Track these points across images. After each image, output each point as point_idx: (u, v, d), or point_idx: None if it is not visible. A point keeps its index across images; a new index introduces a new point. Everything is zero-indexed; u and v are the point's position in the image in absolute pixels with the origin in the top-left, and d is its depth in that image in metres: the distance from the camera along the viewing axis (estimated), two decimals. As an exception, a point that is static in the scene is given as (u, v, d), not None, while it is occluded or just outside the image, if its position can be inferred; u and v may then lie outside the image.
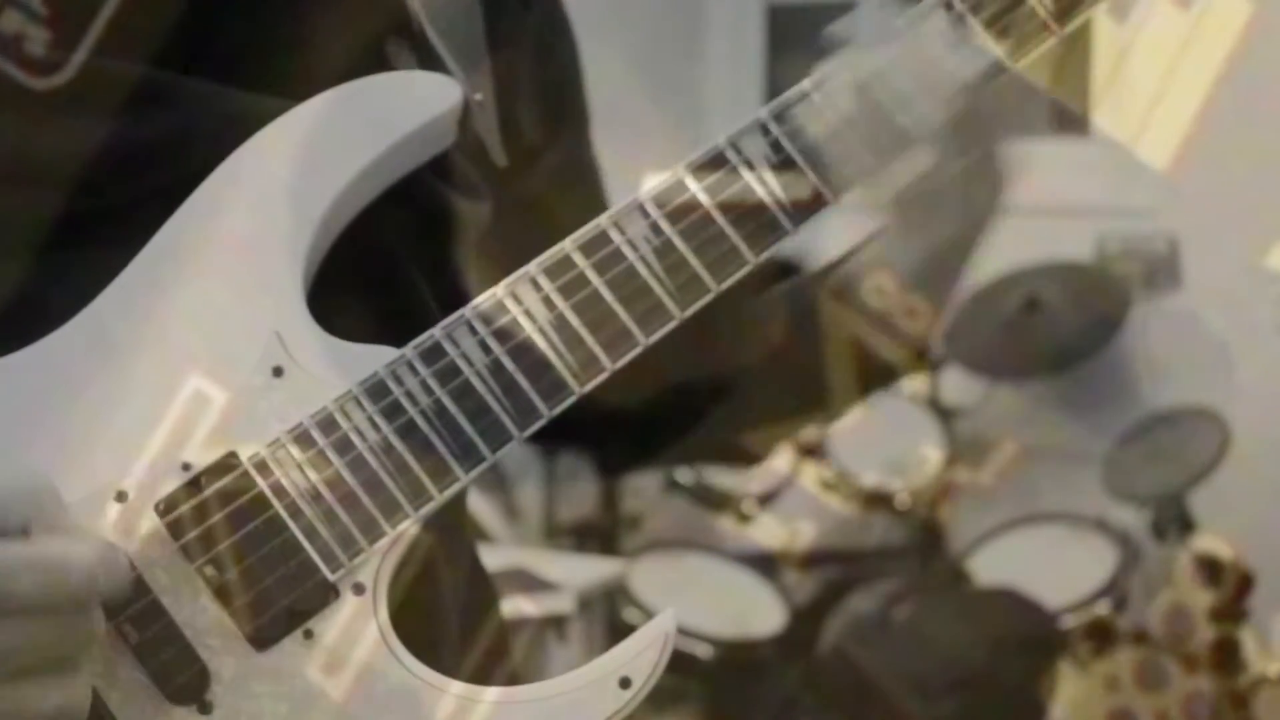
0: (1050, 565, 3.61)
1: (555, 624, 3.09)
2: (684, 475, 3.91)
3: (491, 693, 0.81)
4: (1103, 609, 3.45)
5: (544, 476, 4.18)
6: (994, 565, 3.66)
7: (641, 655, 0.81)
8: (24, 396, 0.80)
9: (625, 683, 0.81)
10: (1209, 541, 3.39)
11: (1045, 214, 4.05)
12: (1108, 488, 3.62)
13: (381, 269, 0.91)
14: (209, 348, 0.82)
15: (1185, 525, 3.50)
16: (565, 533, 3.98)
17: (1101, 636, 3.32)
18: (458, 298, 0.90)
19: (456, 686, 0.81)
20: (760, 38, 4.62)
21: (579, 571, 3.33)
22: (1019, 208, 3.84)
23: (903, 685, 3.18)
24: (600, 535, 3.96)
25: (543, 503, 4.15)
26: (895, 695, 3.18)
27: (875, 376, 1.06)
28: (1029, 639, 3.27)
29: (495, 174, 0.97)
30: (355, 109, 0.86)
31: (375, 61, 0.90)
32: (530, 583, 3.04)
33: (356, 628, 0.81)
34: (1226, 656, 3.17)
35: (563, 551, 3.85)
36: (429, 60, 0.92)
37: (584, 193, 1.09)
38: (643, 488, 4.14)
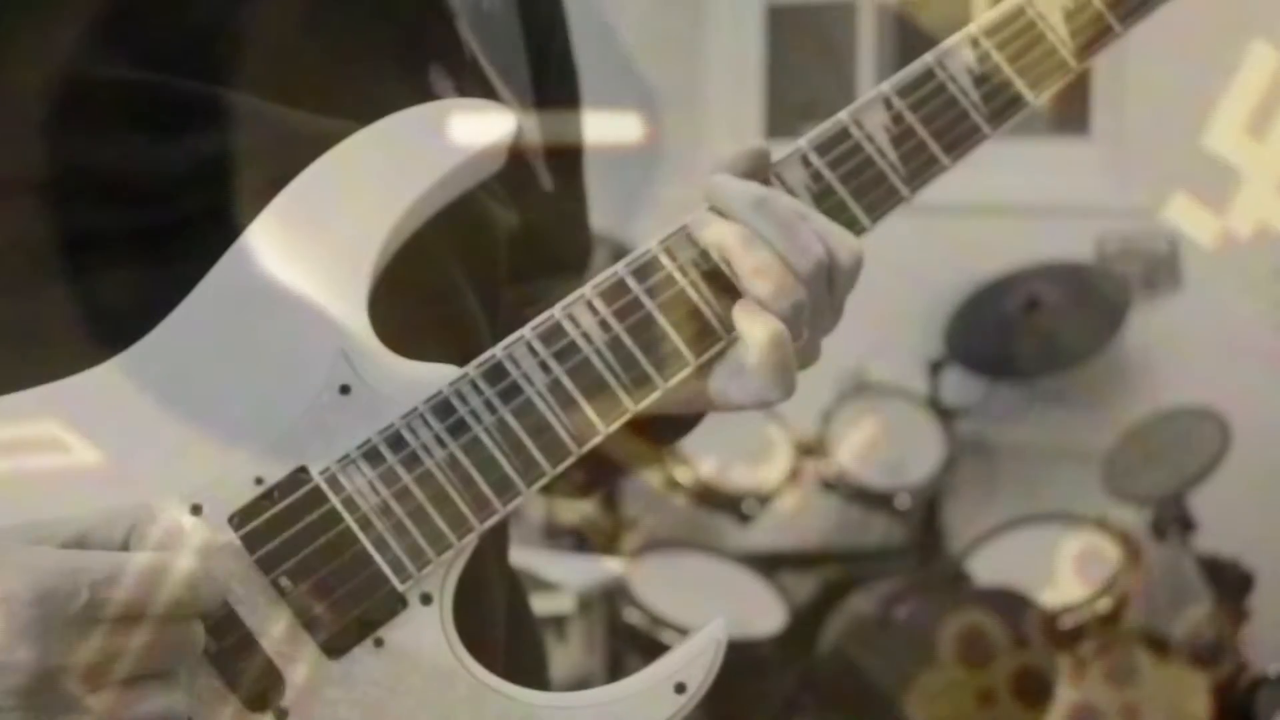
0: (1050, 565, 3.62)
1: (555, 624, 3.10)
2: (684, 475, 3.91)
3: (553, 698, 0.85)
4: (1103, 609, 3.45)
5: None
6: (994, 565, 3.66)
7: (695, 661, 0.85)
8: (102, 412, 0.83)
9: (680, 688, 0.85)
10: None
11: (1045, 214, 4.07)
12: (1108, 488, 3.62)
13: (431, 279, 0.94)
14: (278, 366, 0.85)
15: (1185, 525, 3.51)
16: (565, 533, 3.98)
17: (1101, 636, 3.32)
18: (498, 302, 0.95)
19: (519, 693, 0.85)
20: (760, 38, 4.61)
21: (579, 571, 3.33)
22: (1019, 208, 3.84)
23: (903, 685, 3.17)
24: (600, 535, 3.96)
25: (543, 503, 4.15)
26: (895, 695, 3.18)
27: (708, 346, 0.90)
28: (1028, 639, 3.26)
29: (536, 195, 1.01)
30: (415, 135, 0.89)
31: (422, 90, 0.93)
32: (530, 583, 3.04)
33: (425, 636, 0.84)
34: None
35: (563, 551, 3.85)
36: (480, 87, 0.96)
37: (572, 222, 1.12)
38: (643, 488, 4.14)
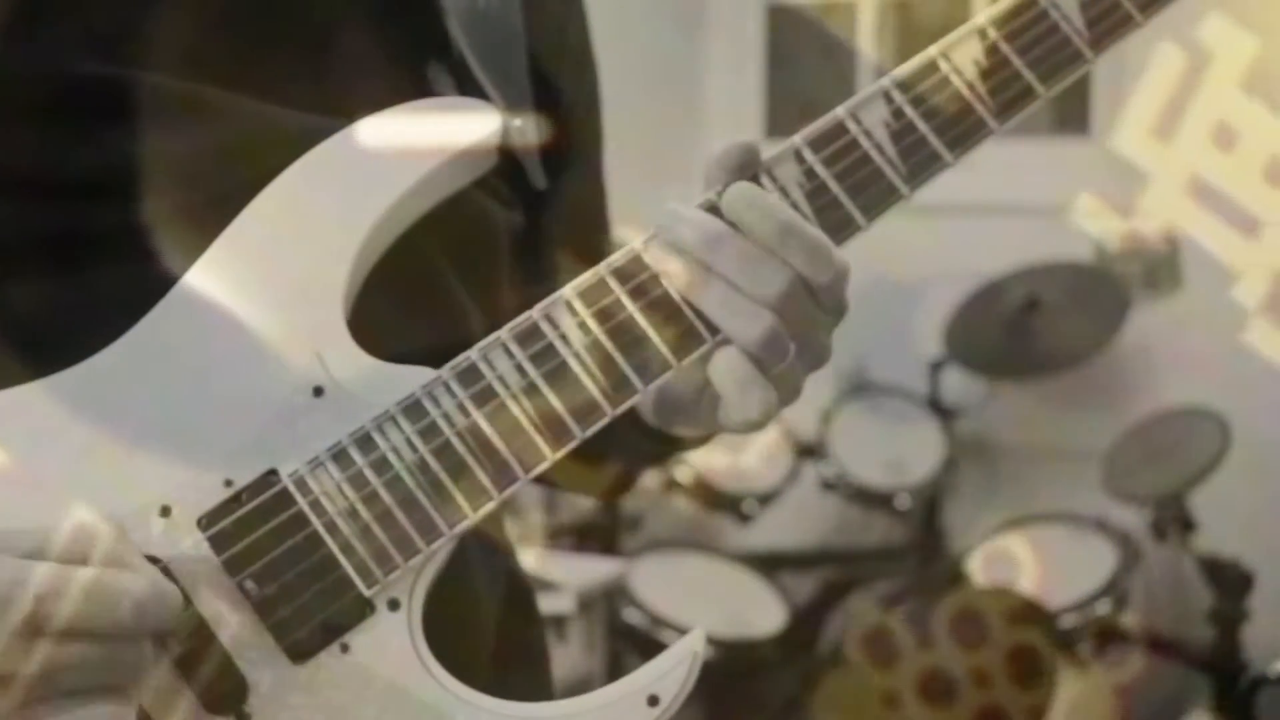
0: (1050, 565, 3.61)
1: (555, 624, 3.09)
2: (684, 475, 3.91)
3: (521, 709, 0.83)
4: (1103, 609, 3.45)
5: (544, 476, 4.16)
6: (994, 565, 3.66)
7: (670, 674, 0.83)
8: (72, 413, 0.82)
9: (653, 700, 0.83)
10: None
11: (1045, 214, 4.07)
12: (1108, 488, 3.62)
13: (422, 279, 0.93)
14: (252, 367, 0.84)
15: (1185, 525, 3.50)
16: (565, 533, 3.98)
17: (1101, 636, 3.32)
18: (498, 303, 0.93)
19: (487, 702, 0.83)
20: (760, 38, 4.61)
21: (579, 571, 3.33)
22: (1020, 208, 3.83)
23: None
24: (600, 535, 3.96)
25: (543, 503, 4.15)
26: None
27: (692, 349, 0.89)
28: (1028, 639, 3.26)
29: (531, 195, 0.99)
30: (397, 134, 0.88)
31: (415, 86, 0.91)
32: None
33: (391, 643, 0.83)
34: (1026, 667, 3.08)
35: (563, 551, 3.85)
36: (469, 86, 0.93)
37: (592, 215, 1.10)
38: (643, 488, 4.14)
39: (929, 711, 3.08)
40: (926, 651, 3.13)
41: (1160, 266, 3.97)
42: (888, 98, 0.89)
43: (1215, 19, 3.11)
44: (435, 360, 0.86)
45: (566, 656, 3.16)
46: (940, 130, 0.89)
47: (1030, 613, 3.20)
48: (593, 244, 1.08)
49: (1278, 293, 3.72)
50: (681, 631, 3.44)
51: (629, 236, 0.91)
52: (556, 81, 1.02)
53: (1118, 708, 3.09)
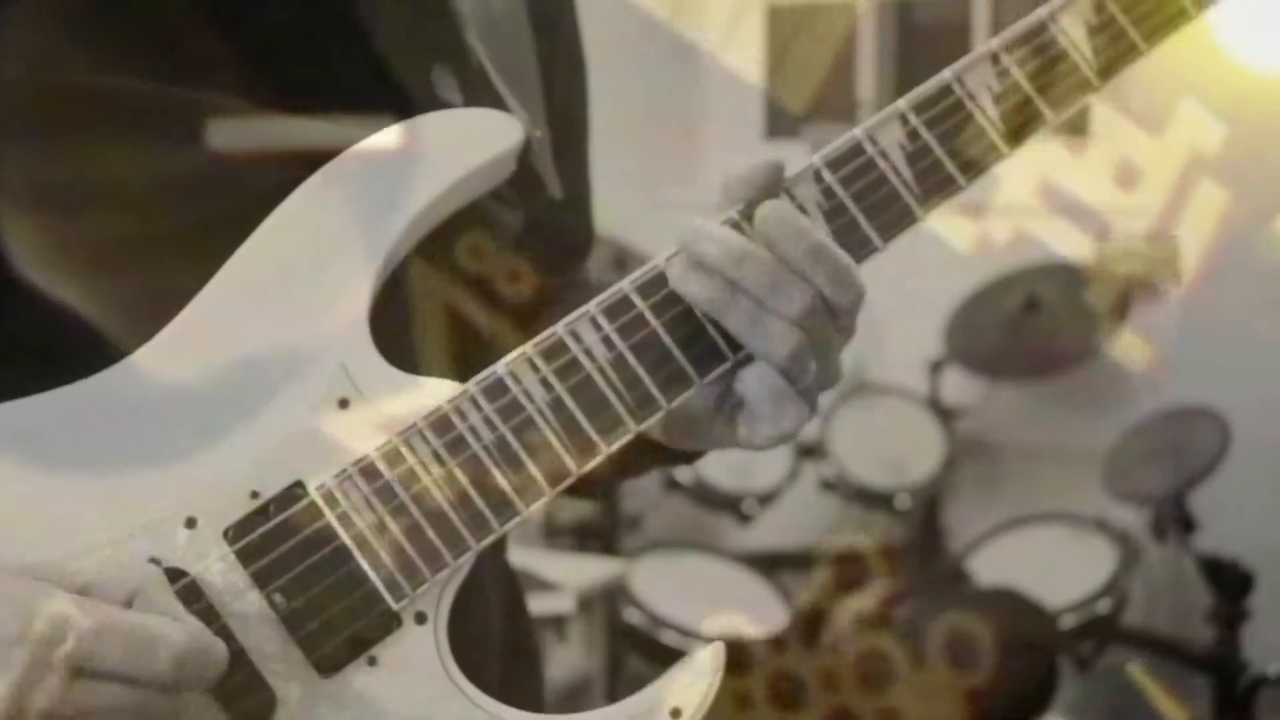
0: (1050, 565, 3.62)
1: (555, 624, 3.10)
2: (684, 475, 3.91)
3: None
4: (1103, 609, 3.45)
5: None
6: (994, 565, 3.66)
7: (693, 685, 0.83)
8: (96, 423, 0.82)
9: (676, 713, 0.83)
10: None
11: (1045, 214, 4.07)
12: (1108, 488, 3.62)
13: (430, 283, 0.92)
14: (276, 378, 0.84)
15: (1185, 525, 3.51)
16: (565, 533, 3.98)
17: (1101, 636, 3.32)
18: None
19: (513, 715, 0.83)
20: (760, 38, 4.61)
21: (579, 571, 3.33)
22: (1019, 208, 3.84)
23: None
24: (600, 535, 3.96)
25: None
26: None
27: (470, 349, 0.92)
28: (1029, 639, 3.27)
29: (534, 195, 0.98)
30: (422, 144, 0.87)
31: (426, 95, 0.91)
32: (530, 583, 3.04)
33: (419, 656, 0.83)
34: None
35: (563, 551, 3.85)
36: (484, 96, 0.93)
37: (577, 210, 1.10)
38: (643, 488, 4.14)
39: (778, 714, 3.08)
40: (777, 655, 3.14)
41: (1160, 267, 3.97)
42: (904, 120, 0.90)
43: (1064, 19, 3.12)
44: (446, 368, 0.86)
45: (566, 656, 3.16)
46: (954, 154, 0.90)
47: (880, 617, 3.21)
48: (576, 236, 1.09)
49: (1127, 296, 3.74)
50: (681, 632, 3.46)
51: (630, 238, 0.91)
52: (552, 82, 1.02)
53: (968, 709, 3.08)
